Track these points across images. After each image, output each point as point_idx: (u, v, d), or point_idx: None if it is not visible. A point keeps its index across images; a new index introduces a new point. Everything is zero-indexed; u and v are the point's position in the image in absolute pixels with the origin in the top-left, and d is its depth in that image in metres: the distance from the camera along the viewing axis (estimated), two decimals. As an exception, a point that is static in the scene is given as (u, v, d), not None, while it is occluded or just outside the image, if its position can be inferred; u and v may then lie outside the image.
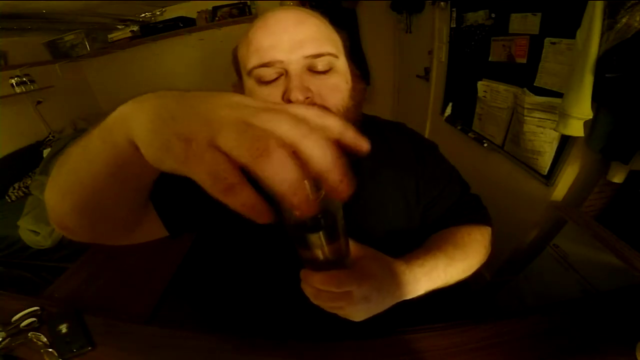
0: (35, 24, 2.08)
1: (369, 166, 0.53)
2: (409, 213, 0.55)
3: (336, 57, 0.45)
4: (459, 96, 1.66)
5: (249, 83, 0.45)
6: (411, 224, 0.55)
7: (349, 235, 0.34)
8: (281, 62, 0.42)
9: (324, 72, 0.44)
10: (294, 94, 0.40)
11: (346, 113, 0.45)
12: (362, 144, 0.23)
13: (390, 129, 0.60)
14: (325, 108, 0.43)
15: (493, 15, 1.26)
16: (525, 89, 1.11)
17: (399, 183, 0.54)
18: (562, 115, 0.87)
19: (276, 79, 0.43)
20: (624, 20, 0.71)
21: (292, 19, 0.43)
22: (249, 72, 0.44)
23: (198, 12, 2.58)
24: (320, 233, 0.28)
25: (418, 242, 0.52)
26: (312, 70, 0.43)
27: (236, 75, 0.52)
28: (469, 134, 1.56)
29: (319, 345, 0.54)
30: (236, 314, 0.58)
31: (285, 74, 0.42)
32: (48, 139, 2.54)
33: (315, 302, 0.36)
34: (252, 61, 0.43)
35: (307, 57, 0.42)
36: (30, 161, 2.30)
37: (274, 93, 0.42)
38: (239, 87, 0.49)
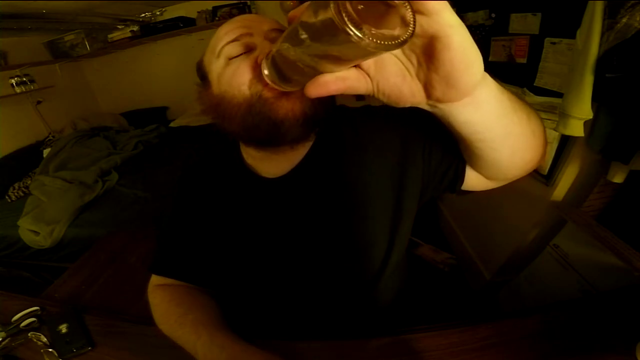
0: (35, 24, 2.08)
1: (351, 155, 0.52)
2: (398, 192, 0.52)
3: None
4: (459, 96, 1.66)
5: (219, 65, 0.46)
6: (401, 204, 0.53)
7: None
8: (250, 35, 0.44)
9: None
10: (267, 51, 0.40)
11: None
12: None
13: (360, 113, 0.58)
14: None
15: (493, 15, 1.26)
16: (525, 89, 1.11)
17: (382, 163, 0.52)
18: (562, 115, 0.86)
19: (244, 53, 0.44)
20: (624, 20, 0.71)
21: (254, 15, 0.48)
22: (219, 53, 0.45)
23: (198, 12, 2.58)
24: None
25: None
26: None
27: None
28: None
29: (319, 344, 0.54)
30: (236, 313, 0.58)
31: (254, 47, 0.44)
32: (48, 139, 2.54)
33: None
34: (222, 41, 0.45)
35: (273, 30, 0.45)
36: (30, 161, 2.30)
37: (242, 65, 0.43)
38: (202, 87, 0.50)
